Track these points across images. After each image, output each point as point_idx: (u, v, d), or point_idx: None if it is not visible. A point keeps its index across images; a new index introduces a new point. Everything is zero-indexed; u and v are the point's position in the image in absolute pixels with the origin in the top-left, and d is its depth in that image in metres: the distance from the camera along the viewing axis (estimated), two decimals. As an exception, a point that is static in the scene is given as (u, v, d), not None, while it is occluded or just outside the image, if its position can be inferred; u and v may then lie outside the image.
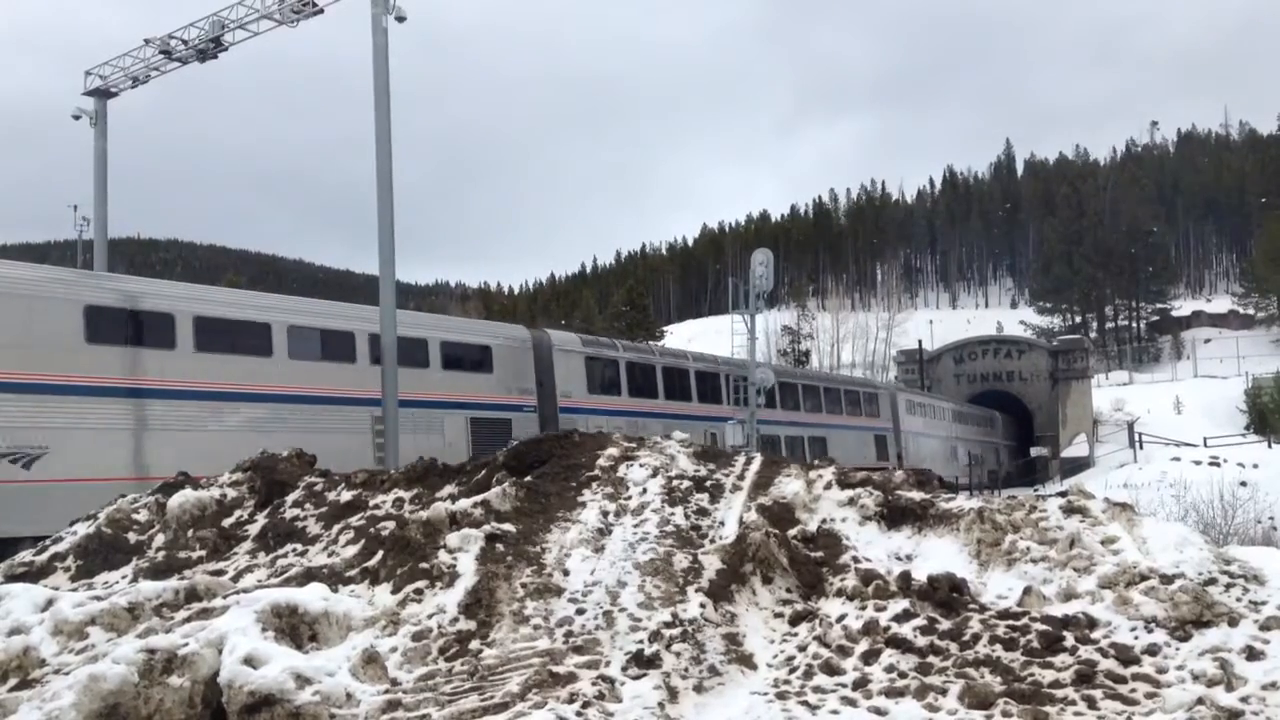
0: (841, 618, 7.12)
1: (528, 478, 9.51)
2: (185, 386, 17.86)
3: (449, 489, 9.92)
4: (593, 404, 26.42)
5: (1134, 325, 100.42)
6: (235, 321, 19.14)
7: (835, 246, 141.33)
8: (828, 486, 9.31)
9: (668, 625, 6.81)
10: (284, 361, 19.60)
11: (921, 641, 6.64)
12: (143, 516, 10.37)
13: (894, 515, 8.73)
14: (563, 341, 27.12)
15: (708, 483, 9.58)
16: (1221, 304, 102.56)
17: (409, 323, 22.89)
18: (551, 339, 26.75)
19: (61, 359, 16.32)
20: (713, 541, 8.32)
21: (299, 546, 9.18)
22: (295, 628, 6.73)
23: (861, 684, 6.32)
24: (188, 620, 6.89)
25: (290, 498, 10.18)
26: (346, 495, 10.01)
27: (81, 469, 15.65)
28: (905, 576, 7.37)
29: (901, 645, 6.65)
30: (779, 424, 34.65)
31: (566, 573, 7.71)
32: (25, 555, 10.01)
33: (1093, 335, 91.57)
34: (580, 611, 7.14)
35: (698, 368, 31.49)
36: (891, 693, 6.15)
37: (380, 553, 8.17)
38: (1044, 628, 6.52)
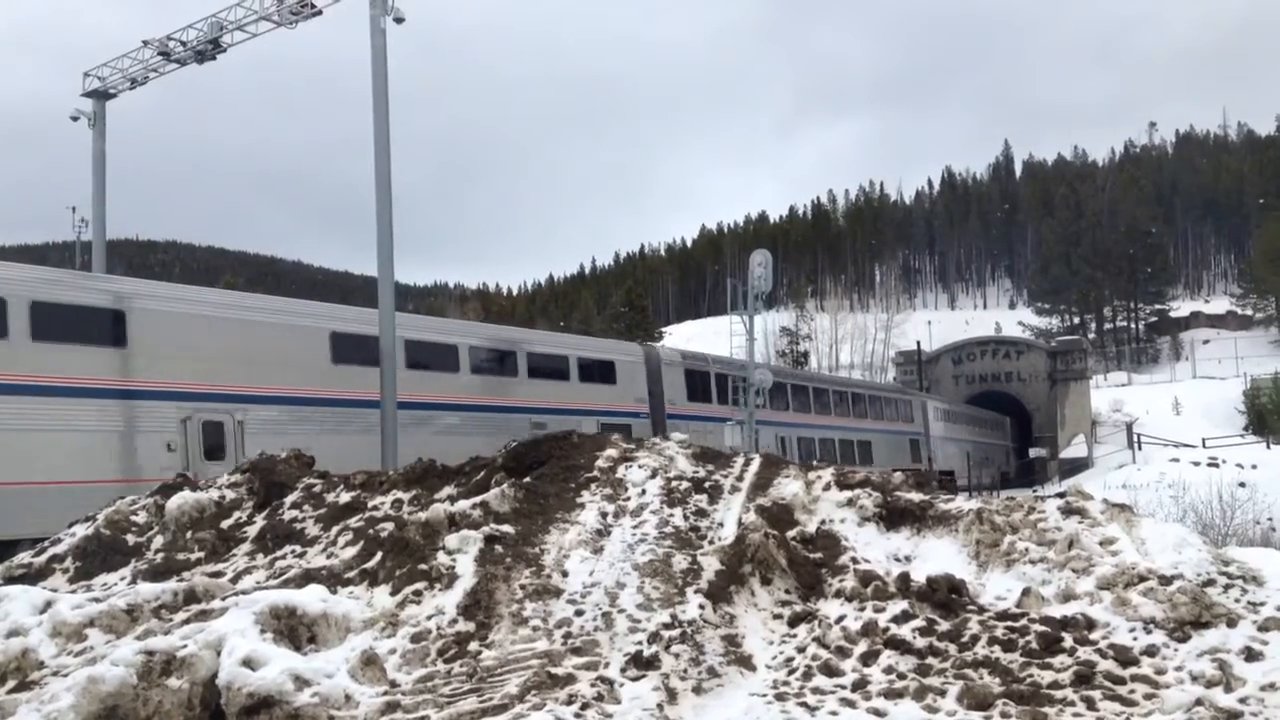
0: (840, 619, 7.12)
1: (526, 479, 9.51)
2: (401, 398, 20.92)
3: (448, 490, 9.92)
4: (692, 410, 29.89)
5: (1132, 326, 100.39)
6: (433, 343, 22.95)
7: (834, 247, 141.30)
8: (826, 487, 9.30)
9: (667, 626, 6.81)
10: (468, 376, 23.27)
11: (920, 643, 6.64)
12: (141, 518, 10.36)
13: (893, 516, 8.72)
14: (668, 356, 31.18)
15: (706, 484, 9.57)
16: (1220, 305, 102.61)
17: (556, 343, 27.97)
18: (660, 354, 30.77)
19: (316, 376, 19.97)
20: (711, 543, 8.32)
21: (298, 548, 9.17)
22: (294, 629, 6.73)
23: (860, 685, 6.32)
24: (186, 622, 6.88)
25: (289, 499, 10.18)
26: (345, 497, 10.00)
27: (334, 467, 18.21)
28: (904, 578, 7.37)
29: (900, 646, 6.65)
30: (834, 428, 39.52)
31: (565, 574, 7.71)
32: (24, 557, 10.00)
33: (1091, 336, 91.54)
34: (579, 613, 7.14)
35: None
36: (890, 694, 6.15)
37: (379, 554, 8.17)
38: (1043, 629, 6.53)
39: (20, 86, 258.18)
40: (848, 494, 9.08)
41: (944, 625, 6.78)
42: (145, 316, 17.57)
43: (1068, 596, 7.04)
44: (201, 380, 18.00)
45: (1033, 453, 61.34)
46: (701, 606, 7.18)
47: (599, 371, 27.22)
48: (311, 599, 7.02)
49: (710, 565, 7.78)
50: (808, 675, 6.55)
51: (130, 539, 9.98)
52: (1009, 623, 6.69)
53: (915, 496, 8.99)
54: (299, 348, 19.81)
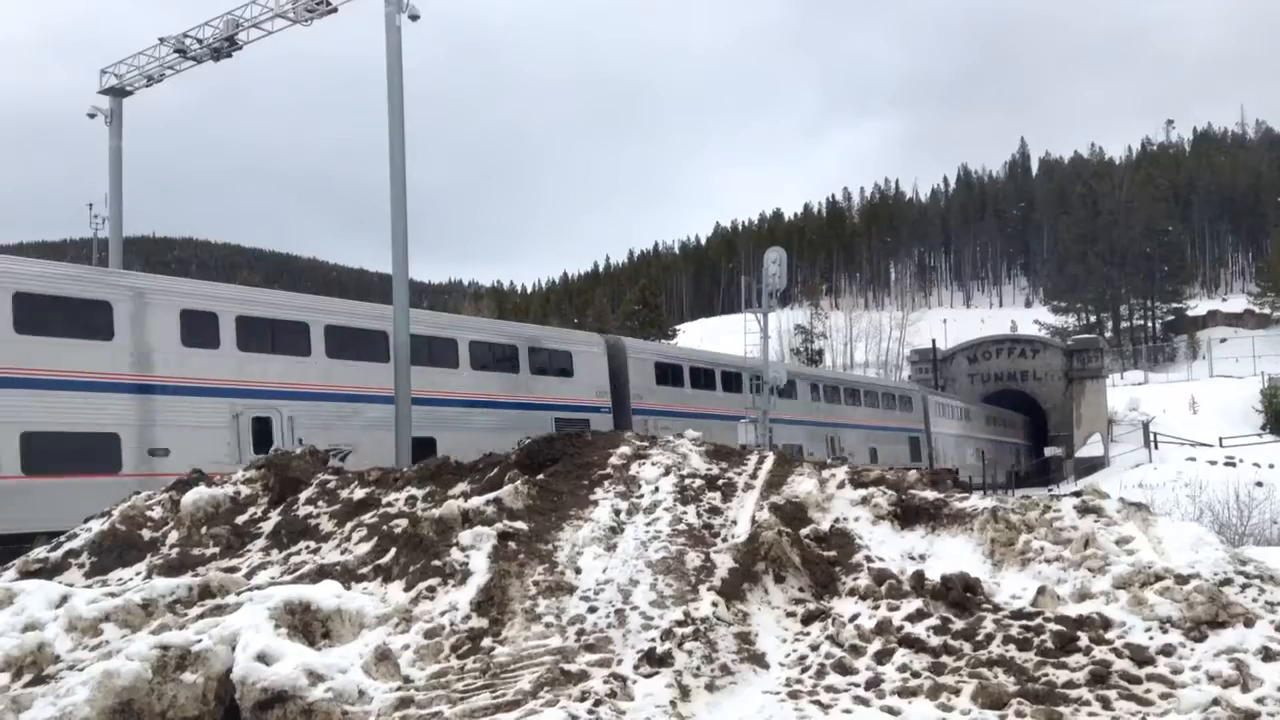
0: (854, 617, 7.09)
1: (540, 476, 9.51)
2: (648, 407, 28.69)
3: (461, 487, 9.93)
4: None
5: (1149, 325, 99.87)
6: (675, 366, 31.66)
7: (849, 245, 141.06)
8: (840, 486, 9.28)
9: (680, 624, 6.80)
10: (690, 390, 31.32)
11: (935, 641, 6.61)
12: (156, 513, 10.41)
13: (907, 514, 8.69)
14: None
15: (720, 481, 9.56)
16: (1237, 303, 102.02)
17: (733, 362, 34.06)
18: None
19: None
20: (725, 540, 8.30)
21: (312, 544, 9.19)
22: (308, 625, 6.75)
23: (874, 683, 6.29)
24: (201, 617, 6.91)
25: (303, 495, 10.20)
26: (359, 493, 10.02)
27: None
28: (919, 576, 7.34)
29: (915, 645, 6.62)
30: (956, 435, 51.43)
31: (579, 571, 7.71)
32: (40, 551, 10.06)
33: (1108, 335, 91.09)
34: (592, 610, 7.13)
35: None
36: (904, 692, 6.12)
37: (393, 550, 8.18)
38: (1058, 628, 6.49)
39: (51, 89, 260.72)
40: (862, 492, 9.05)
41: (958, 624, 6.75)
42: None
43: (1083, 595, 6.99)
44: None
45: (1048, 451, 61.15)
46: (715, 604, 7.16)
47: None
48: (325, 595, 7.03)
49: (723, 563, 7.76)
50: (821, 673, 6.52)
51: (145, 534, 10.03)
52: (1024, 622, 6.66)
53: (930, 495, 8.96)
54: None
